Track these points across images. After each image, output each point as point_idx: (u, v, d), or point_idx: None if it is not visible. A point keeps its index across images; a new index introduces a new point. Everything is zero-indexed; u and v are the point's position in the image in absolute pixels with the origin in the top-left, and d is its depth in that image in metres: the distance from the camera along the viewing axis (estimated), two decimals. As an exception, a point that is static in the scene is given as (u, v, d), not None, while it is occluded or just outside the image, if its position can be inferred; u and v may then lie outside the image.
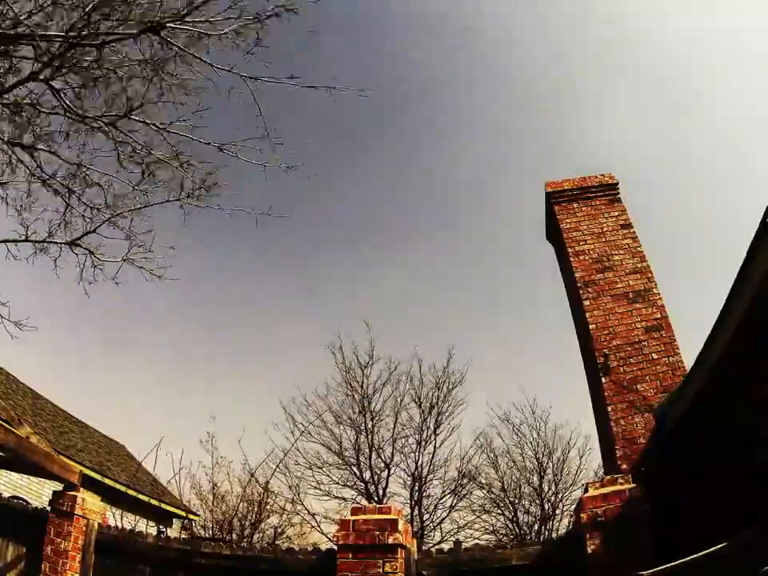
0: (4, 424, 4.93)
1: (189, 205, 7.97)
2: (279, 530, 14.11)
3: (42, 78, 6.54)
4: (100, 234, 8.25)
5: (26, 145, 7.43)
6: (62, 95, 6.89)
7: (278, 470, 13.51)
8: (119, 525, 6.61)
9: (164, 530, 13.52)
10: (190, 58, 6.73)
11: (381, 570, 4.06)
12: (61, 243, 8.11)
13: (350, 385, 16.66)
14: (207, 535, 11.84)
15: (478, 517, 16.08)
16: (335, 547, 4.42)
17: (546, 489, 16.02)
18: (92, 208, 8.09)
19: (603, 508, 3.95)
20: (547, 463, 16.23)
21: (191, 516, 13.52)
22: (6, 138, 7.28)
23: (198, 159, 7.64)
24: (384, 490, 15.92)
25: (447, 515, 15.85)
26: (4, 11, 6.03)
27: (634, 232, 7.02)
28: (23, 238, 7.96)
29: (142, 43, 6.56)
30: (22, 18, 6.05)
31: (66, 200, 7.95)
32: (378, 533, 4.16)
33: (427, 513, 15.86)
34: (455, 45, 37.43)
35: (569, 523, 13.65)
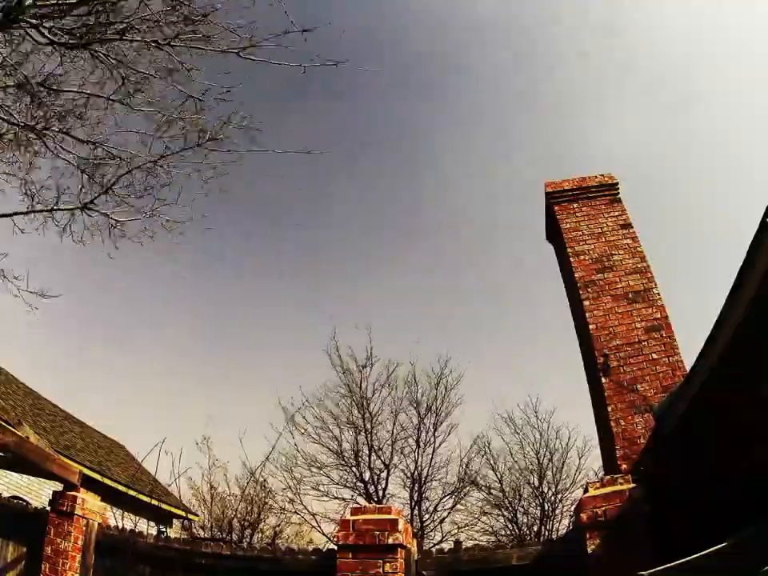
0: (4, 424, 4.93)
1: (207, 149, 7.42)
2: (279, 530, 14.11)
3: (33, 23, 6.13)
4: (115, 194, 7.72)
5: (39, 129, 7.10)
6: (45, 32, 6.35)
7: (271, 464, 13.53)
8: (119, 525, 6.60)
9: (164, 530, 13.52)
10: None
11: (381, 570, 4.06)
12: (71, 209, 7.61)
13: (349, 386, 16.69)
14: (207, 535, 11.83)
15: (477, 518, 16.11)
16: (335, 547, 4.42)
17: (545, 489, 16.03)
18: (107, 188, 7.63)
19: (603, 508, 3.95)
20: (547, 464, 16.25)
21: (191, 516, 13.52)
22: (20, 123, 6.96)
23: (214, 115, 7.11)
24: (383, 490, 15.94)
25: (447, 515, 15.88)
26: None
27: (634, 232, 7.02)
28: (29, 209, 7.47)
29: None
30: None
31: (80, 178, 7.56)
32: (378, 533, 4.16)
33: (427, 513, 15.88)
34: (456, 43, 37.44)
35: (569, 523, 13.67)
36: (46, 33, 6.25)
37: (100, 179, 7.73)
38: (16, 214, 7.43)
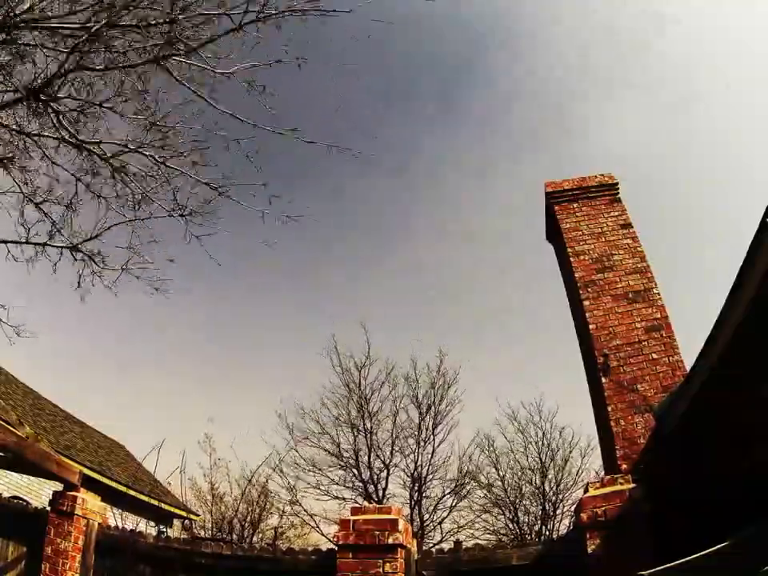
0: (4, 424, 4.93)
1: (191, 222, 7.99)
2: (279, 531, 14.11)
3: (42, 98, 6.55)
4: (102, 241, 8.22)
5: (32, 132, 7.37)
6: (61, 118, 6.92)
7: (275, 472, 13.54)
8: (119, 525, 6.61)
9: (164, 530, 13.53)
10: (191, 94, 6.79)
11: (381, 570, 4.06)
12: (62, 247, 8.07)
13: (348, 386, 16.69)
14: (207, 535, 11.84)
15: (478, 516, 16.09)
16: (335, 547, 4.42)
17: (547, 489, 16.02)
18: (99, 197, 7.98)
19: (603, 508, 3.95)
20: (549, 463, 16.23)
21: (191, 516, 13.52)
22: (14, 129, 7.24)
23: (196, 199, 7.76)
24: (383, 490, 15.93)
25: (447, 515, 15.86)
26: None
27: (634, 232, 7.02)
28: (24, 240, 7.91)
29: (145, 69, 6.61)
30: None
31: (74, 187, 7.89)
32: (378, 533, 4.16)
33: (427, 513, 15.87)
34: (456, 42, 37.43)
35: (569, 523, 13.66)
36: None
37: (95, 198, 8.00)
38: (10, 242, 7.85)
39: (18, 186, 7.70)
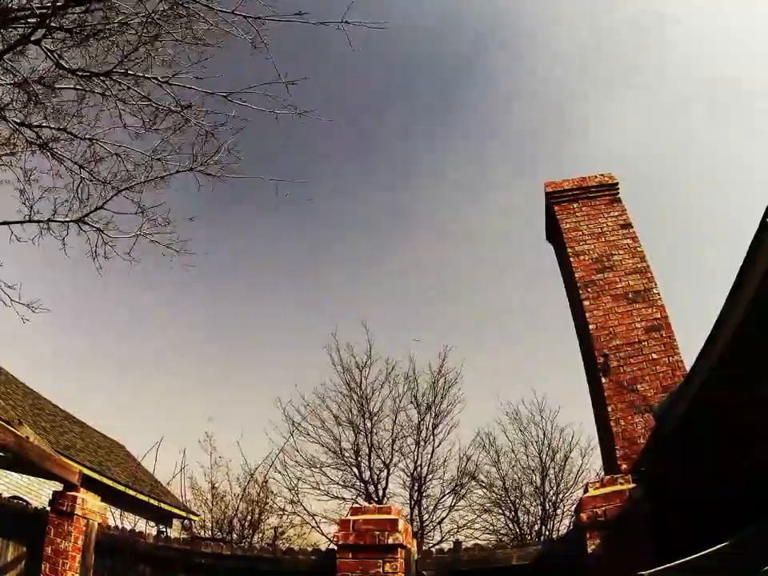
0: (4, 424, 4.93)
1: (202, 174, 7.64)
2: (279, 531, 14.11)
3: (32, 40, 6.27)
4: (109, 210, 7.90)
5: (34, 125, 7.20)
6: (56, 55, 6.56)
7: (274, 468, 13.51)
8: (119, 525, 6.60)
9: (164, 530, 13.52)
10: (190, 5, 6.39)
11: (381, 570, 4.06)
12: (67, 221, 7.75)
13: (348, 385, 16.69)
14: (207, 535, 11.83)
15: (478, 516, 16.10)
16: (335, 547, 4.42)
17: (547, 489, 16.02)
18: (104, 183, 7.78)
19: (603, 508, 3.95)
20: (550, 463, 16.24)
21: (191, 516, 13.51)
22: (16, 120, 7.05)
23: (203, 109, 7.25)
24: (384, 490, 15.94)
25: (447, 515, 15.87)
26: None
27: (634, 232, 7.02)
28: (26, 218, 7.58)
29: None
30: None
31: (78, 175, 7.67)
32: (377, 533, 4.16)
33: (427, 513, 15.87)
34: (457, 40, 37.44)
35: (569, 523, 13.66)
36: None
37: (99, 188, 7.85)
38: (12, 222, 7.54)
39: (22, 171, 7.48)
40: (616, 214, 7.20)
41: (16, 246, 7.55)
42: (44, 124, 7.25)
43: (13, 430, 4.98)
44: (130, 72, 6.84)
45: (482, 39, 37.67)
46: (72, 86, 7.04)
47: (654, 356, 6.10)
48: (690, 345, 5.30)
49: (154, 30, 6.51)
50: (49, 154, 7.52)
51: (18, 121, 7.11)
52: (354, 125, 38.09)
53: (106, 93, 7.01)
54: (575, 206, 7.34)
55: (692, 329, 5.54)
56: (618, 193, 7.37)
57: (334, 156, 36.53)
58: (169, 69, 6.98)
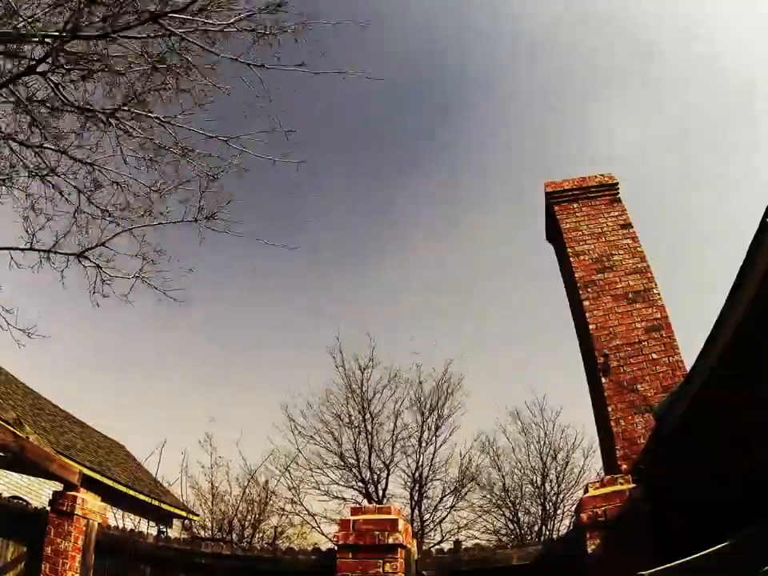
0: (4, 424, 4.93)
1: (204, 227, 7.81)
2: (279, 530, 14.11)
3: (39, 71, 6.35)
4: (110, 249, 8.01)
5: (34, 144, 7.23)
6: (60, 88, 6.66)
7: (281, 474, 13.54)
8: (119, 525, 6.60)
9: (164, 529, 13.52)
10: (193, 47, 6.52)
11: (381, 570, 4.06)
12: (68, 254, 7.84)
13: (350, 387, 16.69)
14: (207, 535, 11.83)
15: (478, 516, 16.12)
16: (335, 547, 4.42)
17: (548, 489, 16.02)
18: (103, 211, 7.83)
19: (603, 508, 3.95)
20: (551, 463, 16.24)
21: (191, 516, 13.51)
22: (16, 139, 7.10)
23: (203, 152, 7.39)
24: (384, 490, 15.95)
25: (447, 515, 15.88)
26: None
27: (634, 232, 7.02)
28: (28, 246, 7.67)
29: (144, 32, 6.35)
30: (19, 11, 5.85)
31: (77, 204, 7.73)
32: (378, 533, 4.16)
33: (427, 513, 15.89)
34: (458, 40, 37.44)
35: (569, 523, 13.66)
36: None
37: (99, 221, 7.92)
38: (13, 249, 7.62)
39: (22, 196, 7.57)
40: (616, 213, 7.19)
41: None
42: (45, 145, 7.29)
43: (13, 429, 4.98)
44: (133, 110, 6.95)
45: (479, 40, 37.66)
46: (74, 111, 7.09)
47: (654, 356, 6.10)
48: (690, 345, 5.31)
49: (158, 69, 6.63)
50: (51, 184, 7.59)
51: (19, 141, 7.16)
52: (355, 127, 38.10)
53: (109, 126, 7.11)
54: (575, 206, 7.34)
55: (692, 329, 5.54)
56: (618, 193, 7.37)
57: (334, 154, 36.52)
58: (169, 109, 7.14)
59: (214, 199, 7.72)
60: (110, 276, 8.02)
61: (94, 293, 7.95)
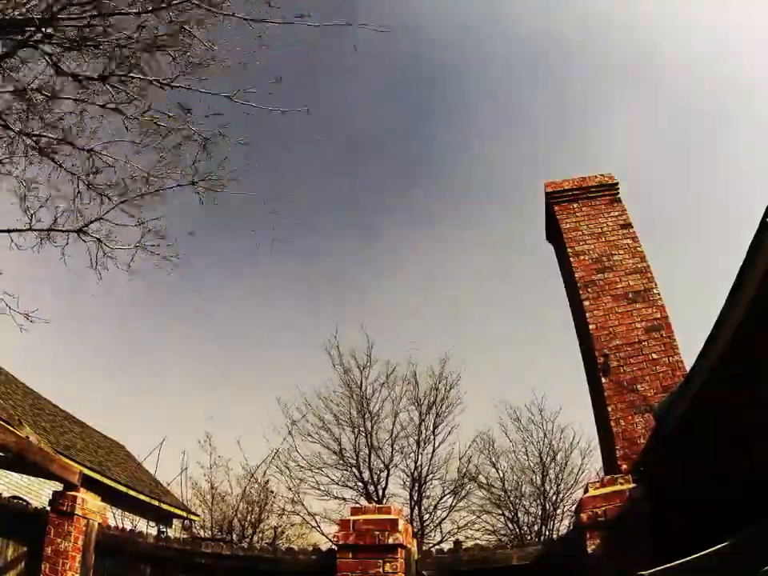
0: (4, 424, 4.93)
1: (203, 189, 7.73)
2: (279, 531, 14.11)
3: (31, 43, 6.33)
4: (109, 221, 7.97)
5: (33, 133, 7.24)
6: (53, 58, 6.62)
7: (276, 468, 13.53)
8: (119, 525, 6.60)
9: (164, 530, 13.53)
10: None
11: (381, 570, 4.06)
12: (67, 231, 7.82)
13: (349, 386, 16.70)
14: (207, 535, 11.83)
15: (478, 517, 16.11)
16: (335, 547, 4.42)
17: (547, 489, 16.03)
18: (102, 195, 7.82)
19: (603, 508, 3.94)
20: (550, 463, 16.24)
21: (191, 516, 13.52)
22: (16, 129, 7.10)
23: (205, 114, 7.32)
24: (383, 490, 15.95)
25: (447, 515, 15.88)
26: None
27: (634, 232, 7.02)
28: (27, 227, 7.65)
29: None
30: None
31: (76, 186, 7.73)
32: (378, 533, 4.16)
33: (427, 513, 15.88)
34: (459, 42, 37.46)
35: (569, 523, 13.67)
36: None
37: (97, 201, 7.90)
38: (12, 231, 7.60)
39: (21, 183, 7.59)
40: (616, 213, 7.20)
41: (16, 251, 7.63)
42: (43, 133, 7.30)
43: (13, 429, 4.98)
44: (130, 75, 6.88)
45: (478, 40, 37.68)
46: (72, 97, 7.08)
47: (654, 356, 6.10)
48: (690, 345, 5.31)
49: (153, 46, 6.57)
50: (50, 160, 7.55)
51: (17, 129, 7.14)
52: (357, 129, 38.11)
53: (107, 105, 7.04)
54: (575, 206, 7.34)
55: (692, 329, 5.54)
56: (618, 193, 7.37)
57: (332, 164, 36.54)
58: (168, 71, 7.02)
59: (213, 163, 7.68)
60: (110, 248, 8.02)
61: (96, 266, 7.95)
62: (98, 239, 7.94)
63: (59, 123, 7.27)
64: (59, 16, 6.09)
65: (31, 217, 7.68)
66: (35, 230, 7.71)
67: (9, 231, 7.57)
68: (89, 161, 7.64)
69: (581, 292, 6.69)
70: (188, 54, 6.85)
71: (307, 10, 6.49)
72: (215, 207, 8.02)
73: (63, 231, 7.83)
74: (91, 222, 7.90)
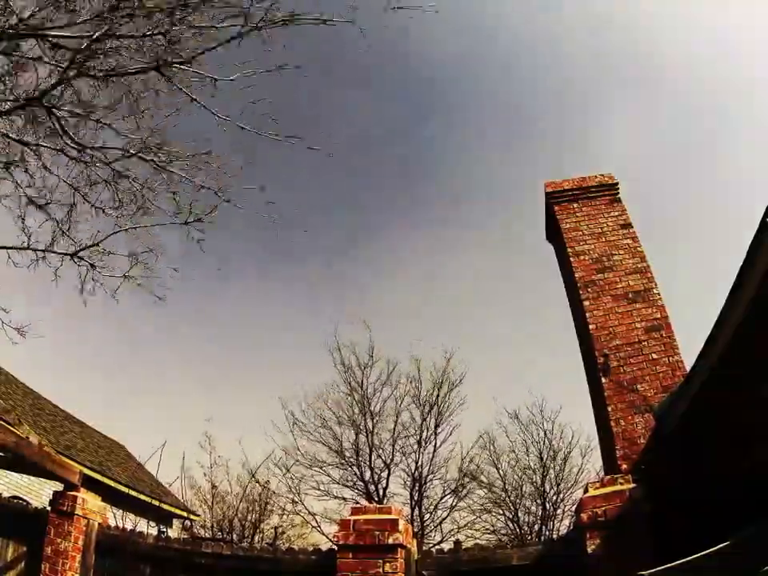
0: (4, 424, 4.93)
1: (192, 228, 8.08)
2: (279, 530, 14.12)
3: (45, 104, 6.59)
4: (102, 249, 8.25)
5: (30, 143, 7.39)
6: (62, 123, 6.95)
7: (276, 468, 13.54)
8: (119, 525, 6.61)
9: (164, 530, 13.54)
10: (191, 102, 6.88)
11: (381, 570, 4.06)
12: (62, 254, 8.08)
13: (350, 385, 16.69)
14: (207, 535, 11.84)
15: (478, 517, 16.11)
16: (335, 547, 4.42)
17: (547, 489, 16.03)
18: (97, 208, 8.04)
19: (603, 508, 3.94)
20: (551, 463, 16.24)
21: (191, 516, 13.53)
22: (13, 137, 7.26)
23: (196, 199, 7.87)
24: (384, 490, 15.94)
25: (447, 515, 15.87)
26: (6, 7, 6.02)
27: (634, 232, 7.02)
28: (25, 245, 7.91)
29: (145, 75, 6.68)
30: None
31: (71, 199, 7.94)
32: (378, 533, 4.16)
33: (428, 513, 15.88)
34: (459, 43, 37.45)
35: (569, 523, 13.67)
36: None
37: (92, 221, 8.14)
38: (11, 248, 7.84)
39: (20, 187, 7.71)
40: (616, 213, 7.19)
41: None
42: (41, 143, 7.47)
43: (13, 429, 4.98)
44: (140, 155, 7.37)
45: (478, 39, 37.66)
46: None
47: (654, 356, 6.10)
48: (690, 345, 5.30)
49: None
50: (47, 170, 7.77)
51: (16, 138, 7.27)
52: (357, 129, 38.09)
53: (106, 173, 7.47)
54: (575, 206, 7.34)
55: (692, 329, 5.53)
56: (618, 193, 7.38)
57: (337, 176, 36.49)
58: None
59: (205, 202, 8.05)
60: (101, 275, 8.29)
61: (83, 291, 8.21)
62: (91, 264, 8.22)
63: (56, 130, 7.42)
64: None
65: (29, 237, 7.96)
66: (32, 249, 7.97)
67: (7, 248, 7.81)
68: (84, 172, 7.87)
69: (581, 292, 6.69)
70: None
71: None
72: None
73: (58, 254, 8.10)
74: (87, 248, 8.19)
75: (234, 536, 11.64)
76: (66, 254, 8.10)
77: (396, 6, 6.42)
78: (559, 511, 15.82)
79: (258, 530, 12.91)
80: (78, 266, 8.19)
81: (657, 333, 6.23)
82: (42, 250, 7.99)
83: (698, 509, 4.11)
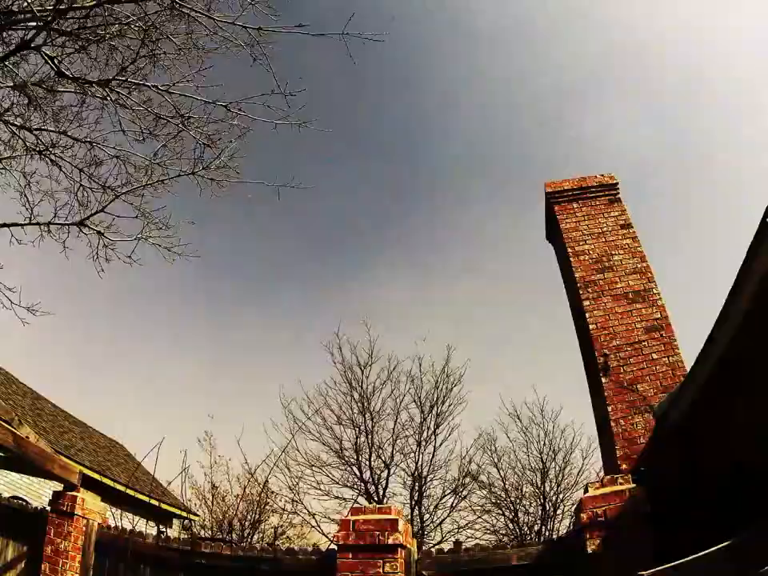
0: (4, 424, 4.93)
1: (203, 178, 7.69)
2: (279, 531, 14.12)
3: (33, 45, 6.32)
4: (110, 214, 7.94)
5: (34, 128, 7.26)
6: (55, 61, 6.63)
7: (276, 468, 13.52)
8: (119, 525, 6.59)
9: (164, 530, 13.53)
10: (190, 12, 6.47)
11: (381, 570, 4.05)
12: (68, 224, 7.79)
13: (350, 384, 16.66)
14: (207, 535, 11.84)
15: (478, 517, 16.08)
16: (335, 547, 4.41)
17: (547, 489, 16.01)
18: (104, 187, 7.80)
19: (603, 508, 3.94)
20: (551, 463, 16.21)
21: (191, 516, 13.53)
22: (16, 123, 7.11)
23: (203, 118, 7.33)
24: (384, 489, 15.92)
25: (448, 515, 15.86)
26: None
27: (634, 232, 7.02)
28: (27, 221, 7.62)
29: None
30: None
31: (78, 180, 7.72)
32: (378, 533, 4.16)
33: (427, 513, 15.86)
34: (459, 45, 37.45)
35: (569, 523, 13.65)
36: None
37: (99, 193, 7.89)
38: (12, 225, 7.56)
39: (23, 175, 7.58)
40: (616, 214, 7.19)
41: (17, 247, 7.60)
42: (44, 127, 7.29)
43: (13, 430, 4.98)
44: (130, 80, 6.90)
45: (479, 39, 37.65)
46: (72, 90, 7.09)
47: (654, 356, 6.09)
48: (690, 345, 5.31)
49: (154, 34, 6.55)
50: (48, 160, 7.57)
51: (18, 124, 7.15)
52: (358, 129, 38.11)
53: (106, 99, 7.05)
54: (575, 206, 7.33)
55: (692, 329, 5.53)
56: (618, 193, 7.37)
57: (337, 159, 36.54)
58: (169, 76, 7.07)
59: (212, 155, 7.65)
60: (111, 240, 7.95)
61: (96, 258, 7.88)
62: (99, 231, 7.88)
63: (59, 117, 7.25)
64: (60, 21, 6.12)
65: (31, 211, 7.64)
66: (35, 224, 7.67)
67: (8, 225, 7.54)
68: (89, 153, 7.64)
69: (581, 292, 6.69)
70: (187, 49, 6.83)
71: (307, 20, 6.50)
72: (216, 202, 8.01)
73: (63, 224, 7.79)
74: (92, 215, 7.85)
75: (234, 536, 11.63)
76: (71, 224, 7.79)
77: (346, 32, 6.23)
78: (559, 511, 15.81)
79: (257, 530, 12.90)
80: (86, 235, 7.87)
81: (657, 333, 6.23)
82: (46, 223, 7.69)
83: (698, 509, 4.11)
